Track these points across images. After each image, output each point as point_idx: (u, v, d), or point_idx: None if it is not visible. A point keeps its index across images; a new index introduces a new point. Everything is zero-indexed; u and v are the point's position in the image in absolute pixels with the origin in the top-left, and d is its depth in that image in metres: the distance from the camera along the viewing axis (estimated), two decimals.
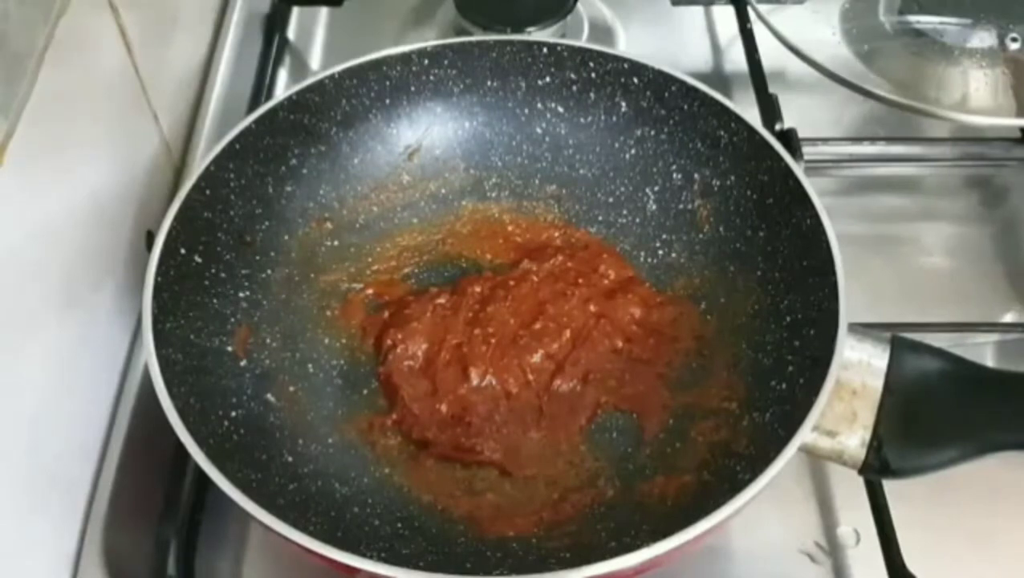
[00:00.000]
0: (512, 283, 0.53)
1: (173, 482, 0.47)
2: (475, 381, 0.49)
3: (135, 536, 0.46)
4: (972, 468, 0.39)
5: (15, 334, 0.41)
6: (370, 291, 0.54)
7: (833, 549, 0.48)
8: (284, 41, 0.72)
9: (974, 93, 0.63)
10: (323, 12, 0.77)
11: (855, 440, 0.39)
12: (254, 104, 0.63)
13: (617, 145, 0.56)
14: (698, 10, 0.76)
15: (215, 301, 0.48)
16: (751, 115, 0.51)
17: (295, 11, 0.75)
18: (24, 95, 0.41)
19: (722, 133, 0.52)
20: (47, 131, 0.43)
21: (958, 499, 0.48)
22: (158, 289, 0.44)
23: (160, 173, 0.57)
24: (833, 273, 0.43)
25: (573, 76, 0.56)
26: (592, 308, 0.52)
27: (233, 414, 0.44)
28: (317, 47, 0.75)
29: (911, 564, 0.44)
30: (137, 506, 0.47)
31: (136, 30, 0.52)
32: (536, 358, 0.50)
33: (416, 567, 0.35)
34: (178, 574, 0.44)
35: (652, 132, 0.55)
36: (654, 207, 0.56)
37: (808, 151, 0.59)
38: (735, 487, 0.37)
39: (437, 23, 0.73)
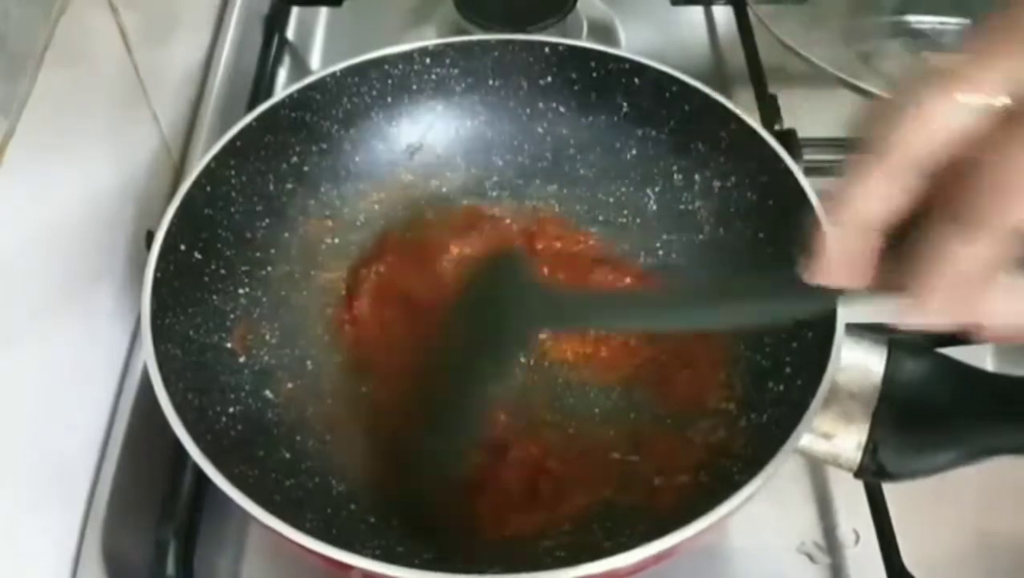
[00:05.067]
0: None
1: (173, 481, 0.46)
2: None
3: (135, 535, 0.46)
4: (972, 469, 0.39)
5: (15, 333, 0.41)
6: None
7: (832, 549, 0.48)
8: (284, 41, 0.72)
9: None
10: (323, 12, 0.77)
11: (851, 443, 0.39)
12: (254, 104, 0.63)
13: (618, 145, 0.56)
14: (698, 10, 0.76)
15: (214, 297, 0.48)
16: (751, 115, 0.51)
17: (295, 11, 0.75)
18: (24, 95, 0.41)
19: (723, 134, 0.52)
20: (47, 131, 0.43)
21: (958, 499, 0.48)
22: (157, 285, 0.44)
23: (160, 173, 0.57)
24: None
25: (575, 76, 0.56)
26: None
27: (231, 410, 0.45)
28: (317, 47, 0.75)
29: (911, 564, 0.44)
30: (137, 505, 0.47)
31: (136, 30, 0.53)
32: None
33: (411, 565, 0.35)
34: (177, 574, 0.44)
35: (653, 132, 0.55)
36: (655, 208, 0.56)
37: (808, 151, 0.58)
38: (731, 488, 0.37)
39: (437, 23, 0.73)
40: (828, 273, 0.30)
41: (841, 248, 0.29)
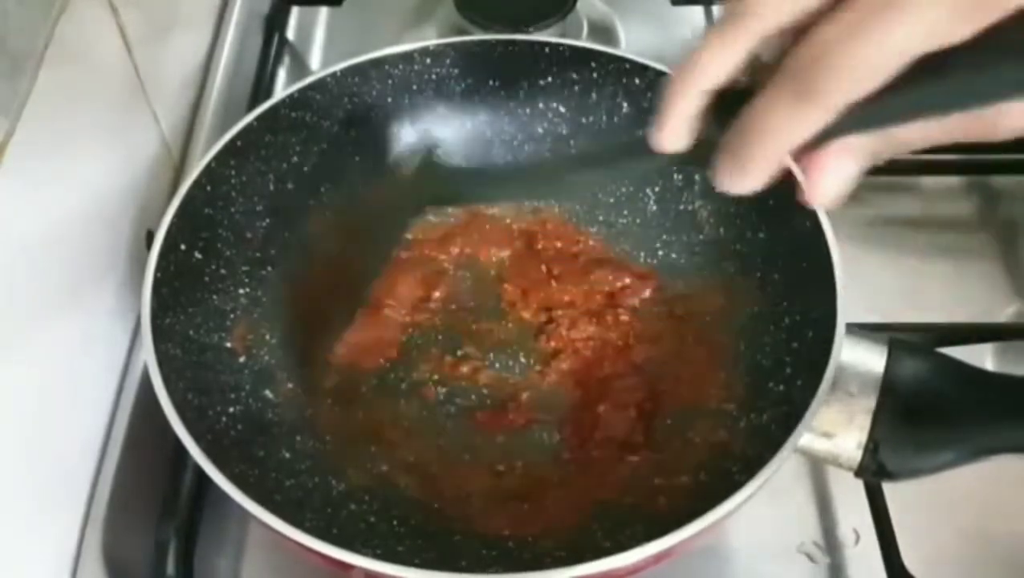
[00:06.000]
0: None
1: (173, 481, 0.47)
2: None
3: (135, 536, 0.46)
4: (972, 468, 0.39)
5: (15, 333, 0.41)
6: None
7: (832, 549, 0.48)
8: (284, 41, 0.72)
9: None
10: (323, 12, 0.77)
11: (851, 442, 0.39)
12: (254, 104, 0.64)
13: None
14: (698, 10, 0.76)
15: (215, 297, 0.48)
16: None
17: (295, 11, 0.75)
18: (24, 95, 0.41)
19: None
20: (47, 131, 0.43)
21: (958, 499, 0.48)
22: (157, 285, 0.44)
23: (160, 173, 0.57)
24: (832, 275, 0.43)
25: (575, 76, 0.56)
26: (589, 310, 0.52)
27: (231, 410, 0.45)
28: (317, 47, 0.75)
29: (910, 564, 0.44)
30: (137, 505, 0.47)
31: (136, 30, 0.53)
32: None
33: (411, 564, 0.35)
34: (177, 574, 0.44)
35: None
36: (655, 208, 0.56)
37: None
38: (731, 488, 0.37)
39: (436, 23, 0.73)
40: (659, 132, 0.31)
41: (674, 109, 0.30)
